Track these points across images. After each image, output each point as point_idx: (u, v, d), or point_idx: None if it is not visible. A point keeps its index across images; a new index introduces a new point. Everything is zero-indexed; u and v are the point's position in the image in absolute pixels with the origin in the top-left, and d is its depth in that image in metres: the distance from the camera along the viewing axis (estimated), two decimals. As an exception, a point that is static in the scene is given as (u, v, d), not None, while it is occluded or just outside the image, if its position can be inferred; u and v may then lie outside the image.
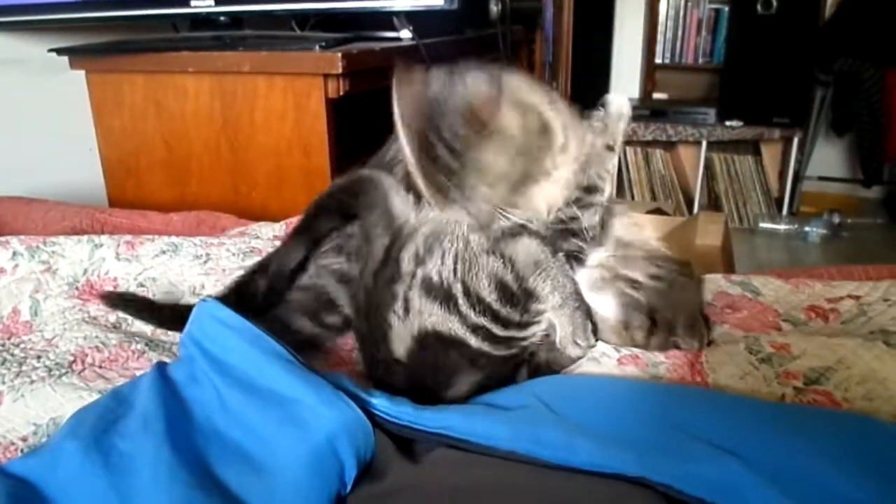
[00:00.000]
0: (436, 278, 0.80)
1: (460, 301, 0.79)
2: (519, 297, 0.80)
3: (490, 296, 0.79)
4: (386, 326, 0.83)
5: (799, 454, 0.63)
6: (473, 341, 0.79)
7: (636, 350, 0.86)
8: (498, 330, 0.80)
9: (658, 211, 3.70)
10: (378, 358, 0.86)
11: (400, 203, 0.87)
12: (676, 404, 0.73)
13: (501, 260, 0.80)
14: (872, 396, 0.75)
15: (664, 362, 0.84)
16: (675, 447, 0.65)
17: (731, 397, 0.77)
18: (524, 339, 0.82)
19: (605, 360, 0.85)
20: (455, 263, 0.80)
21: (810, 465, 0.61)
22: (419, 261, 0.82)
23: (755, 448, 0.63)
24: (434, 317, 0.79)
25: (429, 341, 0.80)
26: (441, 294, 0.79)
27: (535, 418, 0.71)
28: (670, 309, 0.85)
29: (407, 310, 0.81)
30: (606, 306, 0.85)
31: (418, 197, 0.84)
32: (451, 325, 0.79)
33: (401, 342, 0.82)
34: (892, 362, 0.79)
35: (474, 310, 0.79)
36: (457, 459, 0.70)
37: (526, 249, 0.81)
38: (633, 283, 0.85)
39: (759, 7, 3.64)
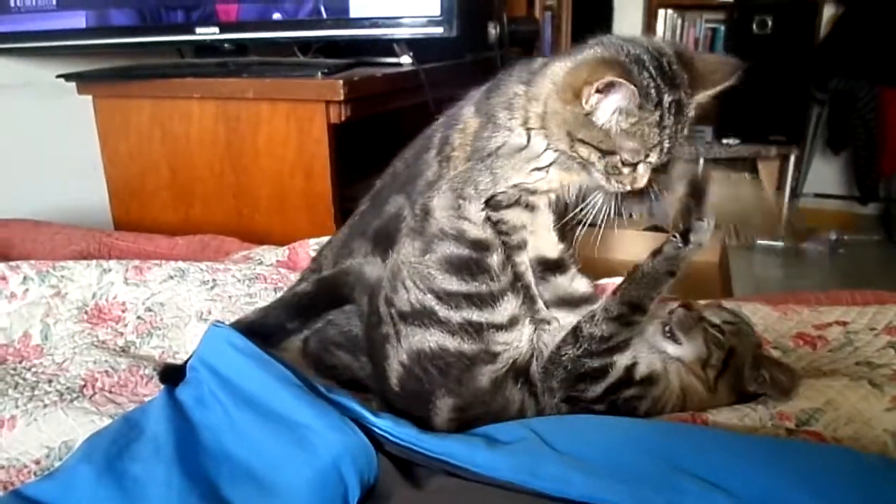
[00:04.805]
0: (407, 308, 0.85)
1: (437, 308, 0.83)
2: (470, 259, 0.84)
3: (453, 283, 0.83)
4: (384, 361, 0.88)
5: (785, 487, 0.66)
6: (452, 344, 0.82)
7: None
8: (476, 315, 0.82)
9: (656, 228, 3.73)
10: (384, 392, 0.90)
11: (370, 270, 0.95)
12: (668, 440, 0.75)
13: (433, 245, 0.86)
14: (860, 436, 0.79)
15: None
16: (667, 481, 0.68)
17: (721, 433, 0.80)
18: (498, 325, 0.84)
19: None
20: (414, 283, 0.85)
21: (795, 497, 0.64)
22: (389, 302, 0.87)
23: (743, 482, 0.66)
24: (416, 336, 0.84)
25: (412, 366, 0.84)
26: (417, 316, 0.84)
27: (532, 451, 0.74)
28: (744, 355, 0.87)
29: (398, 338, 0.86)
30: (692, 342, 0.88)
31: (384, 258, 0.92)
32: (432, 339, 0.83)
33: (394, 372, 0.87)
34: (877, 402, 0.83)
35: (451, 307, 0.83)
36: (458, 488, 0.73)
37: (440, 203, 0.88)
38: (713, 326, 0.88)
39: (754, 27, 3.69)
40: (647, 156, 0.82)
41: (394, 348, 0.86)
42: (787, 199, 3.89)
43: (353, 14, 1.68)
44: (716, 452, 0.72)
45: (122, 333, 1.21)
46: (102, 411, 0.98)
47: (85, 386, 1.04)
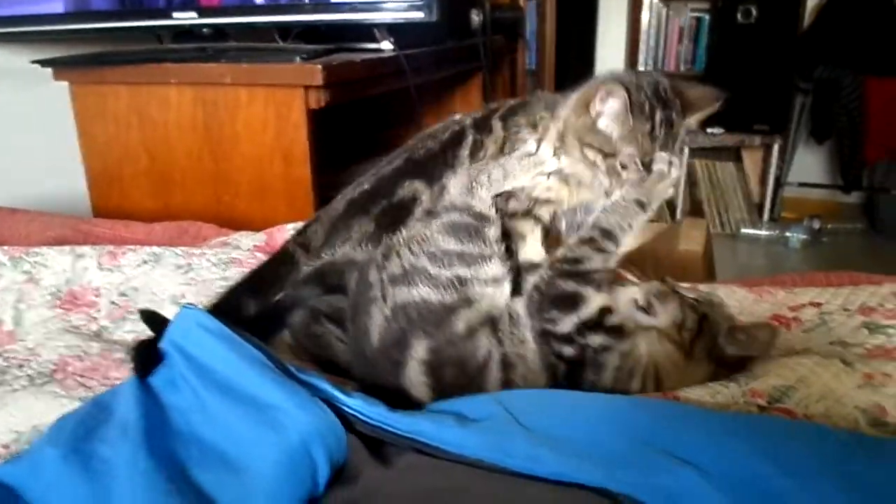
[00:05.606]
0: (398, 271, 0.91)
1: (429, 266, 0.90)
2: (470, 225, 0.93)
3: (450, 243, 0.92)
4: (368, 321, 0.90)
5: (756, 463, 0.66)
6: (436, 297, 0.88)
7: None
8: (463, 271, 0.90)
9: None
10: (364, 353, 0.92)
11: (361, 255, 1.02)
12: (639, 416, 0.75)
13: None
14: (831, 413, 0.79)
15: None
16: (637, 458, 0.68)
17: (693, 409, 0.80)
18: (480, 279, 0.90)
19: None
20: (410, 248, 0.92)
21: (763, 472, 0.64)
22: (381, 268, 0.93)
23: (714, 458, 0.66)
24: (403, 293, 0.89)
25: (395, 317, 0.89)
26: (407, 276, 0.90)
27: (502, 429, 0.74)
28: (718, 323, 0.90)
29: (384, 299, 0.90)
30: (667, 307, 0.91)
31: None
32: (417, 293, 0.89)
33: (376, 327, 0.89)
34: (848, 380, 0.83)
35: (442, 264, 0.90)
36: (427, 465, 0.72)
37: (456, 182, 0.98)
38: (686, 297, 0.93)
39: (739, 16, 3.70)
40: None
41: (378, 308, 0.90)
42: (770, 188, 3.91)
43: (334, -2, 1.67)
44: (687, 429, 0.71)
45: (95, 319, 1.20)
46: (73, 395, 0.97)
47: (56, 370, 1.03)
